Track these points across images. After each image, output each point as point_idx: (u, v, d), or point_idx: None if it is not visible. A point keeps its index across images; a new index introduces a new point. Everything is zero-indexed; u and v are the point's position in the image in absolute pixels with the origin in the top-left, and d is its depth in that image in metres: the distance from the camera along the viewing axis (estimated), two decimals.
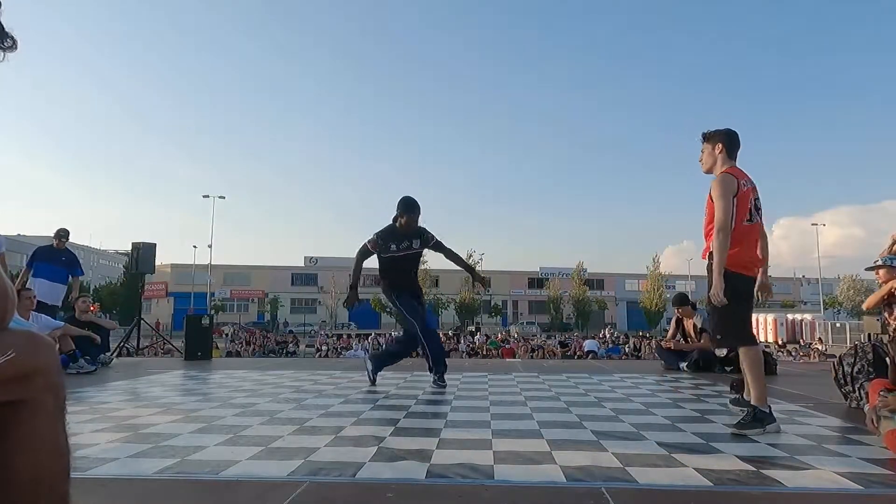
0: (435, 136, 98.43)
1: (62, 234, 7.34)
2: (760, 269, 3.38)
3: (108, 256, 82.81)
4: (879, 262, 4.37)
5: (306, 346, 23.37)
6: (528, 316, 58.51)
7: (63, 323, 6.41)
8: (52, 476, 1.14)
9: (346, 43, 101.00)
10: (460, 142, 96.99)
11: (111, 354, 7.36)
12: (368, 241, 4.79)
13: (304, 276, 60.49)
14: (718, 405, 3.78)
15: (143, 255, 9.64)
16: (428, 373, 4.88)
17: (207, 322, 8.10)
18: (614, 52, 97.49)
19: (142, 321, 10.17)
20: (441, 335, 23.64)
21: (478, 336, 23.71)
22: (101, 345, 6.63)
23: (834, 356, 4.22)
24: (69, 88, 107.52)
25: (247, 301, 58.78)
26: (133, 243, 9.83)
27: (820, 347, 22.30)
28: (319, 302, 57.07)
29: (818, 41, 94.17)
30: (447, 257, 5.20)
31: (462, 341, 20.73)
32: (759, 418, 2.95)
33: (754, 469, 2.18)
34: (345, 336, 25.74)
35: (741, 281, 3.19)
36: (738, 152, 3.38)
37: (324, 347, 19.61)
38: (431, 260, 49.60)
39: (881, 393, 2.78)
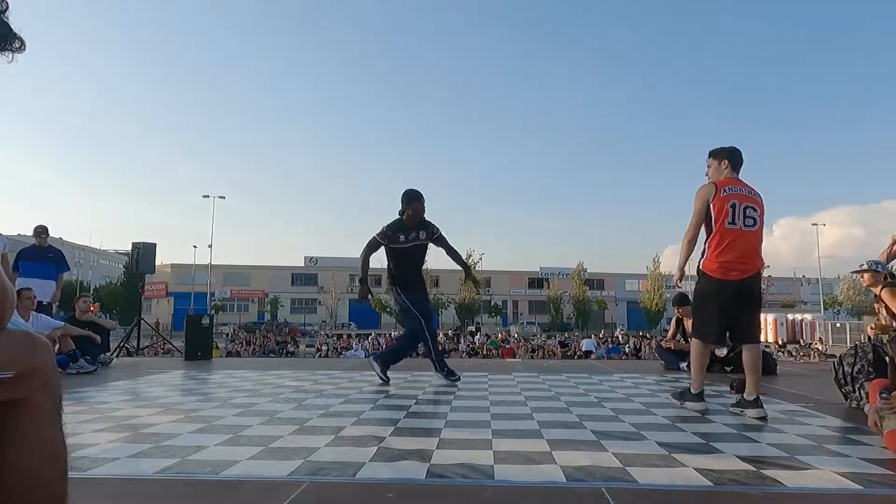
0: (435, 135, 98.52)
1: (42, 231, 7.25)
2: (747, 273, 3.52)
3: (108, 256, 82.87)
4: (864, 266, 4.43)
5: (306, 346, 23.38)
6: (528, 316, 58.49)
7: (63, 323, 6.41)
8: (48, 475, 1.14)
9: (347, 43, 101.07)
10: (460, 142, 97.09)
11: (111, 354, 7.35)
12: (377, 234, 4.79)
13: (304, 276, 60.49)
14: (718, 405, 3.78)
15: (143, 255, 9.63)
16: (432, 373, 4.89)
17: (207, 322, 8.10)
18: (615, 52, 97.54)
19: (142, 321, 10.17)
20: (440, 335, 23.67)
21: (478, 336, 23.71)
22: (101, 345, 6.63)
23: (834, 356, 4.23)
24: (69, 88, 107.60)
25: (247, 301, 58.77)
26: (133, 243, 9.83)
27: (820, 347, 22.31)
28: (319, 302, 57.07)
29: (818, 41, 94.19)
30: (447, 252, 5.20)
31: (462, 341, 20.73)
32: (682, 394, 3.73)
33: (754, 469, 2.18)
34: (345, 336, 25.75)
35: (709, 282, 3.51)
36: (742, 167, 3.70)
37: (324, 347, 19.62)
38: (431, 260, 49.68)
39: (882, 394, 2.78)
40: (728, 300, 3.48)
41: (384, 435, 2.78)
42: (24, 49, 1.21)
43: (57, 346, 5.84)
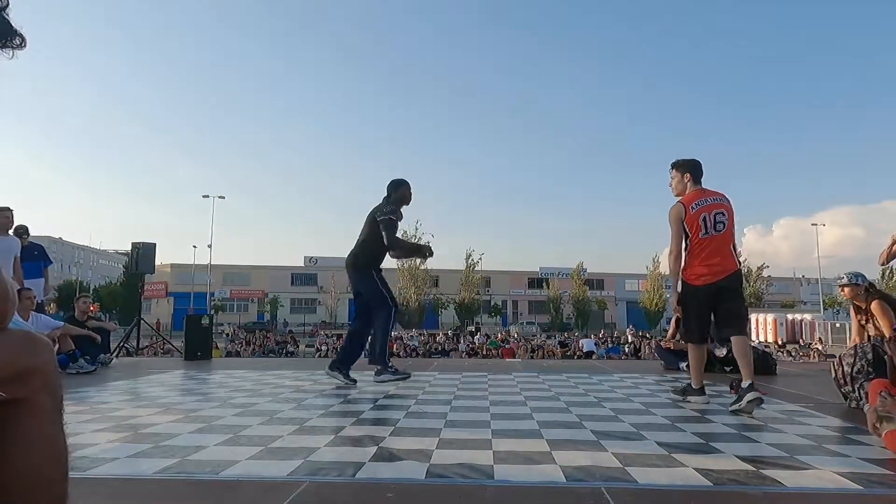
0: (435, 135, 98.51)
1: (23, 231, 7.32)
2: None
3: (108, 256, 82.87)
4: (845, 281, 4.48)
5: (306, 346, 23.38)
6: (528, 316, 58.51)
7: (63, 323, 6.41)
8: (49, 475, 1.14)
9: (347, 43, 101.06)
10: (460, 142, 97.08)
11: (111, 355, 7.35)
12: (391, 214, 4.67)
13: (304, 276, 60.50)
14: (718, 405, 3.78)
15: (142, 254, 9.63)
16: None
17: (207, 322, 8.10)
18: (615, 52, 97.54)
19: (142, 321, 10.16)
20: (441, 335, 23.66)
21: (477, 336, 23.70)
22: (101, 345, 6.63)
23: (834, 356, 4.24)
24: (69, 88, 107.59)
25: (247, 301, 58.79)
26: (133, 243, 9.82)
27: (820, 347, 22.29)
28: (319, 302, 57.07)
29: (818, 41, 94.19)
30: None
31: (462, 341, 20.73)
32: (685, 390, 3.99)
33: (754, 469, 2.18)
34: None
35: (692, 290, 3.89)
36: (703, 177, 4.04)
37: (324, 347, 19.62)
38: (431, 260, 49.71)
39: (882, 394, 2.78)
40: (706, 303, 3.85)
41: (384, 435, 2.78)
42: (24, 46, 1.20)
43: (56, 346, 5.84)
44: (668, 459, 2.32)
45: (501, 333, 27.62)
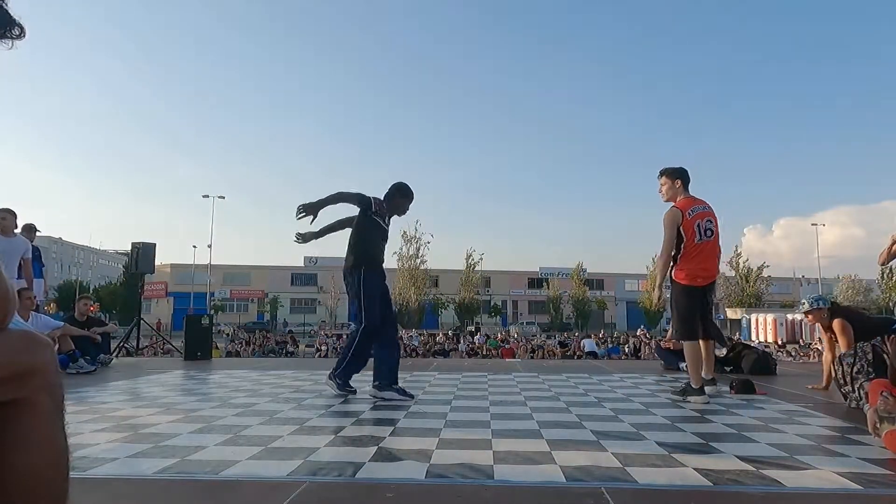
0: (435, 136, 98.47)
1: (31, 228, 7.38)
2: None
3: (108, 256, 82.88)
4: (807, 307, 4.56)
5: (306, 346, 23.37)
6: (528, 316, 58.51)
7: (63, 323, 6.42)
8: (48, 476, 1.14)
9: (347, 43, 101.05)
10: (460, 142, 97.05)
11: (111, 354, 7.36)
12: (373, 199, 4.26)
13: (304, 276, 60.51)
14: (718, 405, 3.78)
15: (142, 254, 9.64)
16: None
17: (207, 322, 8.11)
18: (615, 53, 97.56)
19: (142, 321, 10.17)
20: (441, 335, 23.65)
21: (477, 336, 23.70)
22: (100, 345, 6.64)
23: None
24: (69, 88, 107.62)
25: (247, 301, 58.79)
26: (133, 243, 9.83)
27: (819, 347, 22.25)
28: (319, 302, 57.07)
29: (818, 41, 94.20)
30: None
31: (462, 341, 20.73)
32: (685, 390, 4.02)
33: (754, 469, 2.18)
34: (344, 336, 25.74)
35: (691, 291, 4.14)
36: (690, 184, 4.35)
37: (323, 347, 19.61)
38: (431, 260, 49.65)
39: (883, 394, 2.78)
40: (699, 302, 4.20)
41: (384, 435, 2.78)
42: (23, 36, 1.19)
43: (56, 346, 5.84)
44: (668, 459, 2.32)
45: (501, 333, 27.61)
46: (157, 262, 10.31)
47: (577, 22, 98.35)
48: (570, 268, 58.09)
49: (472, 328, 29.46)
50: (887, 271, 47.98)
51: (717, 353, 5.86)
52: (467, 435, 2.79)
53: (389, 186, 4.49)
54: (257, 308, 57.69)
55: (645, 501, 1.88)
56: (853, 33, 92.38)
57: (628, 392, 4.44)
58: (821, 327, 4.78)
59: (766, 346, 17.91)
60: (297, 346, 21.76)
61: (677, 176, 4.29)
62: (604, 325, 47.39)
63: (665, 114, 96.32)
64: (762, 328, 26.93)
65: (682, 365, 6.28)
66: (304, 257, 60.57)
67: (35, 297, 6.31)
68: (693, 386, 3.99)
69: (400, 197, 4.45)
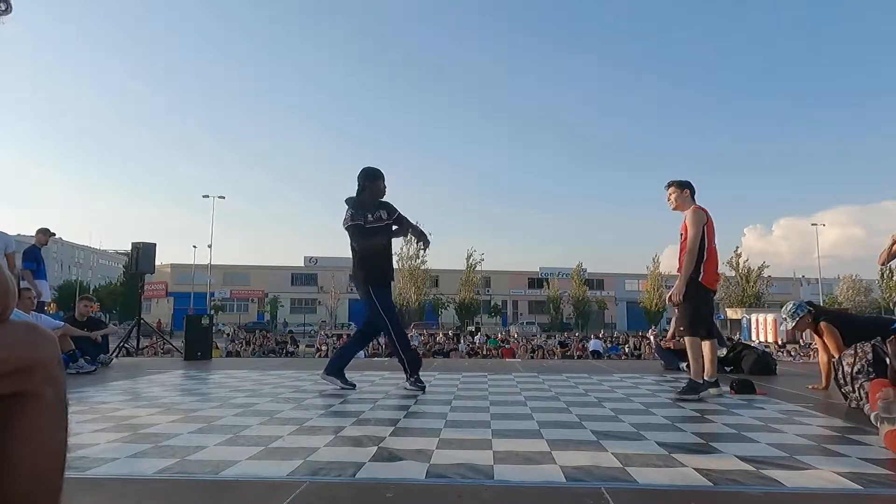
0: (435, 136, 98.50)
1: (45, 231, 7.46)
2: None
3: (108, 256, 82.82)
4: (791, 323, 4.62)
5: (306, 347, 23.37)
6: (528, 316, 58.51)
7: (63, 322, 6.42)
8: (47, 470, 1.14)
9: (347, 43, 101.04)
10: (460, 142, 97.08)
11: (111, 355, 7.36)
12: (353, 219, 4.33)
13: (304, 276, 60.53)
14: (718, 405, 3.78)
15: (143, 254, 9.63)
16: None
17: (207, 322, 8.10)
18: (614, 54, 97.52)
19: (142, 321, 10.16)
20: (440, 335, 23.64)
21: (478, 336, 23.69)
22: (100, 345, 6.64)
23: (833, 356, 4.26)
24: (69, 88, 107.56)
25: (247, 301, 58.82)
26: (133, 243, 9.83)
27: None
28: (319, 302, 57.06)
29: (818, 41, 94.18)
30: (406, 229, 4.73)
31: (462, 341, 20.71)
32: (693, 388, 4.08)
33: (754, 469, 2.18)
34: (345, 336, 25.73)
35: (708, 292, 4.33)
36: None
37: (323, 347, 19.60)
38: (431, 260, 49.66)
39: (883, 390, 2.78)
40: (712, 303, 4.52)
41: (384, 435, 2.78)
42: (9, 11, 1.18)
43: None
44: (668, 459, 2.32)
45: (501, 333, 27.61)
46: (157, 262, 10.31)
47: (578, 22, 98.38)
48: (570, 268, 58.11)
49: (473, 328, 29.46)
50: (887, 271, 47.97)
51: (717, 352, 5.87)
52: (467, 435, 2.78)
53: (359, 175, 4.50)
54: (257, 308, 57.71)
55: (645, 501, 1.88)
56: (853, 33, 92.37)
57: (628, 392, 4.44)
58: (811, 331, 4.79)
59: (766, 346, 17.92)
60: (297, 346, 21.75)
61: (685, 186, 4.48)
62: (604, 325, 47.38)
63: (665, 113, 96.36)
64: (762, 328, 26.91)
65: (683, 365, 6.29)
66: (305, 257, 60.69)
67: (41, 295, 6.33)
68: (697, 381, 4.12)
69: (371, 182, 4.49)
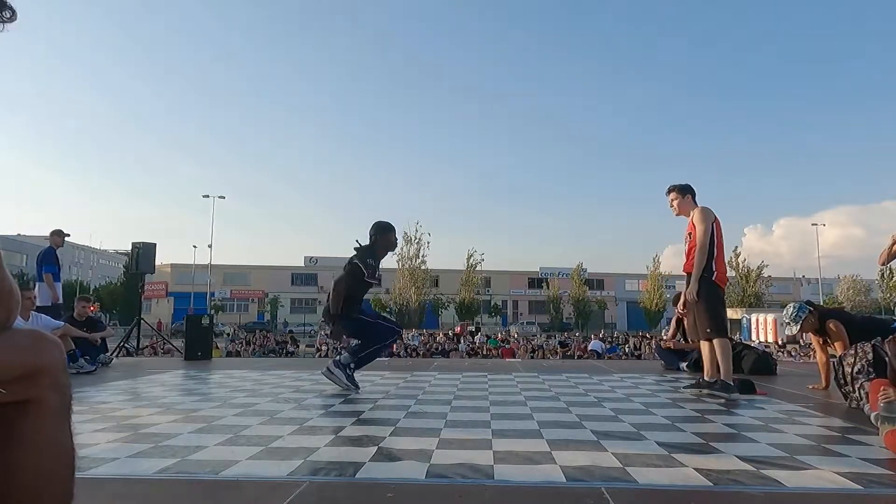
0: (435, 136, 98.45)
1: (59, 233, 7.57)
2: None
3: (108, 256, 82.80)
4: (796, 328, 4.57)
5: (306, 346, 23.37)
6: (528, 316, 58.52)
7: (63, 323, 6.42)
8: (56, 475, 1.14)
9: (347, 43, 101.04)
10: (461, 142, 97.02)
11: (111, 354, 7.36)
12: (363, 266, 4.39)
13: (304, 276, 60.53)
14: (718, 405, 3.78)
15: (143, 254, 9.64)
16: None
17: (207, 322, 8.11)
18: (614, 54, 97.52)
19: (142, 321, 10.17)
20: (440, 335, 23.65)
21: (478, 336, 23.70)
22: (100, 345, 6.64)
23: (834, 356, 4.25)
24: (69, 88, 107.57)
25: (247, 301, 58.81)
26: (133, 243, 9.84)
27: None
28: (319, 302, 57.05)
29: (818, 41, 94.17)
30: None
31: (462, 341, 20.72)
32: (725, 387, 4.08)
33: (754, 469, 2.18)
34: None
35: (720, 291, 4.30)
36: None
37: (323, 347, 19.60)
38: (431, 260, 49.68)
39: (883, 389, 2.78)
40: (724, 301, 4.42)
41: (384, 435, 2.78)
42: (15, 18, 1.17)
43: None
44: (668, 459, 2.32)
45: (501, 333, 27.61)
46: (157, 262, 10.32)
47: (578, 22, 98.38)
48: (570, 268, 58.10)
49: (473, 328, 29.46)
50: (887, 271, 48.01)
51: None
52: (467, 435, 2.79)
53: (372, 228, 4.62)
54: (257, 308, 57.69)
55: (645, 501, 1.88)
56: (854, 33, 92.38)
57: (628, 392, 4.44)
58: (810, 333, 4.75)
59: (766, 346, 17.92)
60: (297, 346, 21.75)
61: (686, 191, 4.49)
62: (604, 325, 47.36)
63: (665, 114, 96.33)
64: (762, 328, 26.91)
65: (683, 365, 6.30)
66: (305, 257, 60.70)
67: (58, 299, 6.40)
68: (729, 382, 4.10)
69: (385, 235, 4.63)
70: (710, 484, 2.00)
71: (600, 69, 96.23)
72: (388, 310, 44.07)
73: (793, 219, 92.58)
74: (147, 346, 14.33)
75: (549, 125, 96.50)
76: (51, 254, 7.63)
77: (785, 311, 4.75)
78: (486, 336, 23.68)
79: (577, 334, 31.13)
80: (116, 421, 3.15)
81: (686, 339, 6.66)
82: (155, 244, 9.86)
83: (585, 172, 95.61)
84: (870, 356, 3.65)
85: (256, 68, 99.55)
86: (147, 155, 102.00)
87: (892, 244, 4.32)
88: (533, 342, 21.59)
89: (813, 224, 50.89)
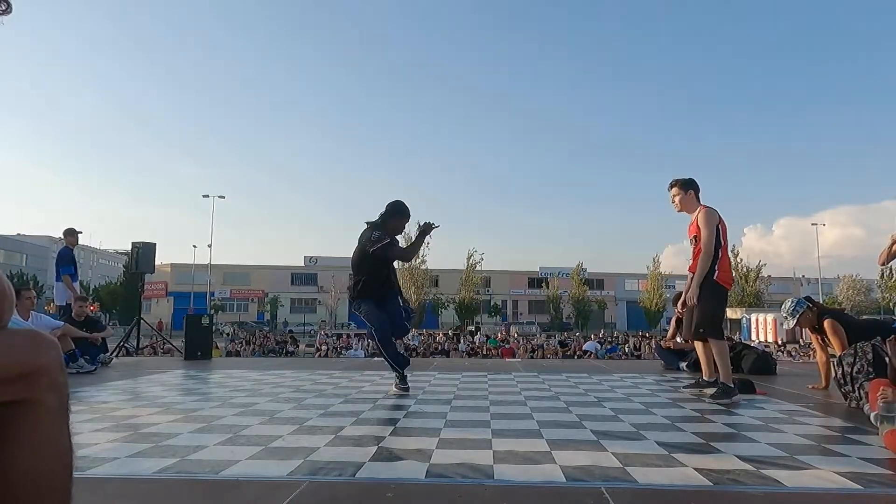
0: (435, 136, 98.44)
1: (71, 233, 7.67)
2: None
3: (108, 256, 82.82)
4: (792, 322, 4.55)
5: (306, 346, 23.38)
6: (528, 316, 58.48)
7: (63, 322, 6.42)
8: (55, 476, 1.14)
9: (347, 43, 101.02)
10: (460, 142, 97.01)
11: (111, 354, 7.36)
12: (381, 241, 4.23)
13: (304, 276, 60.51)
14: (718, 405, 3.78)
15: (143, 254, 9.63)
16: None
17: (207, 322, 8.10)
18: (613, 53, 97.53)
19: (142, 321, 10.16)
20: (440, 335, 23.65)
21: (478, 336, 23.70)
22: (100, 345, 6.64)
23: (834, 356, 4.25)
24: (69, 88, 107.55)
25: (247, 301, 58.79)
26: (133, 243, 9.83)
27: None
28: (319, 301, 57.07)
29: (817, 41, 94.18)
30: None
31: (462, 341, 20.72)
32: (726, 391, 3.92)
33: (754, 469, 2.18)
34: (344, 336, 25.72)
35: (724, 291, 4.15)
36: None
37: (323, 347, 19.60)
38: (431, 260, 49.67)
39: (883, 389, 2.78)
40: (726, 303, 4.29)
41: (384, 435, 2.78)
42: (10, 11, 1.17)
43: None
44: (668, 459, 2.32)
45: (501, 333, 27.60)
46: (157, 262, 10.31)
47: (578, 22, 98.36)
48: (570, 268, 58.07)
49: (473, 328, 29.45)
50: (887, 271, 48.00)
51: None
52: (467, 435, 2.79)
53: (388, 206, 4.40)
54: (257, 308, 57.68)
55: (645, 501, 1.88)
56: (854, 33, 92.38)
57: (628, 392, 4.44)
58: (808, 329, 4.74)
59: (766, 346, 17.91)
60: (297, 346, 21.75)
61: (690, 186, 4.31)
62: (604, 325, 47.35)
63: (665, 113, 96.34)
64: (762, 328, 26.89)
65: (683, 365, 6.30)
66: (304, 257, 60.65)
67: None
68: (729, 385, 3.97)
69: (397, 219, 4.39)
70: (710, 484, 2.00)
71: (600, 69, 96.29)
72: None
73: (793, 218, 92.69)
74: (147, 346, 14.31)
75: (550, 125, 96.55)
76: (66, 255, 7.72)
77: (784, 306, 4.74)
78: (486, 336, 23.68)
79: (576, 334, 31.13)
80: (116, 421, 3.15)
81: (686, 339, 6.67)
82: (155, 244, 9.85)
83: (585, 172, 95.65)
84: (869, 356, 3.65)
85: (257, 68, 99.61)
86: (147, 155, 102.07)
87: (892, 244, 4.32)
88: (533, 342, 21.58)
89: (813, 224, 51.03)
